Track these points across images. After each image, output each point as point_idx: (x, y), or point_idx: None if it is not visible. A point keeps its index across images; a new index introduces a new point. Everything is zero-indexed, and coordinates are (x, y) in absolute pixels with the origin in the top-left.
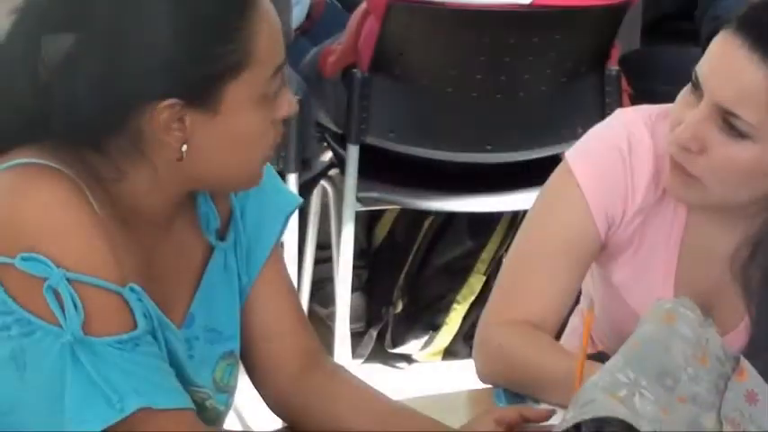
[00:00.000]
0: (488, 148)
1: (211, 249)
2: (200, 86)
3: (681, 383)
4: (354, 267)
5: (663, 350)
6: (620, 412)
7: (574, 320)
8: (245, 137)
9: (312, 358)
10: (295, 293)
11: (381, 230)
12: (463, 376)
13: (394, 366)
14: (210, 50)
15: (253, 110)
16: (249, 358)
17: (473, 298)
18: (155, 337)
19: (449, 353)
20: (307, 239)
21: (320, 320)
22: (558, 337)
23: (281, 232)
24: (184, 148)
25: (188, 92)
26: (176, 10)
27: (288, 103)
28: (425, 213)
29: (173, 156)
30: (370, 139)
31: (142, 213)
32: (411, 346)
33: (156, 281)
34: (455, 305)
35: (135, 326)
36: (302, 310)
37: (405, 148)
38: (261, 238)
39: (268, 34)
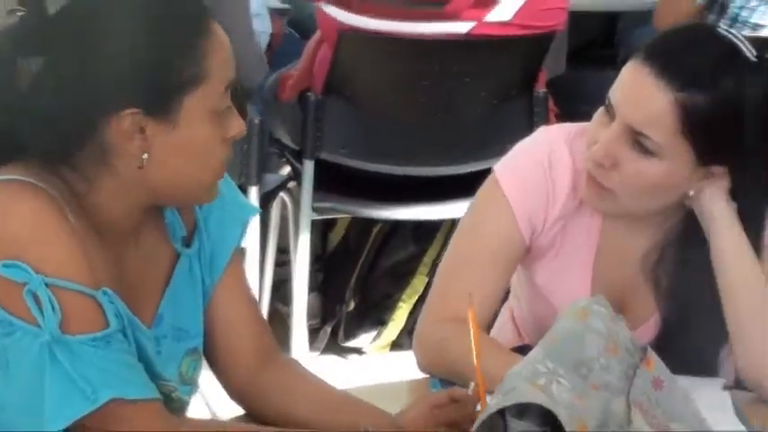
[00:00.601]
0: (430, 162)
1: (177, 256)
2: (160, 98)
3: (594, 372)
4: (311, 270)
5: (578, 343)
6: (540, 399)
7: (503, 315)
8: (199, 148)
9: (268, 354)
10: (252, 295)
11: (335, 237)
12: (408, 366)
13: (346, 358)
14: (170, 65)
15: (206, 124)
16: (211, 353)
17: (417, 297)
18: (125, 336)
19: (396, 345)
20: (268, 245)
21: (281, 317)
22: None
23: (241, 239)
24: (145, 156)
25: (148, 102)
26: (140, 29)
27: (237, 125)
28: (374, 221)
29: (134, 164)
30: (324, 155)
31: (112, 223)
32: (362, 340)
33: (127, 285)
34: (401, 303)
35: (107, 325)
36: (259, 309)
37: (355, 162)
38: (222, 245)
39: (220, 53)
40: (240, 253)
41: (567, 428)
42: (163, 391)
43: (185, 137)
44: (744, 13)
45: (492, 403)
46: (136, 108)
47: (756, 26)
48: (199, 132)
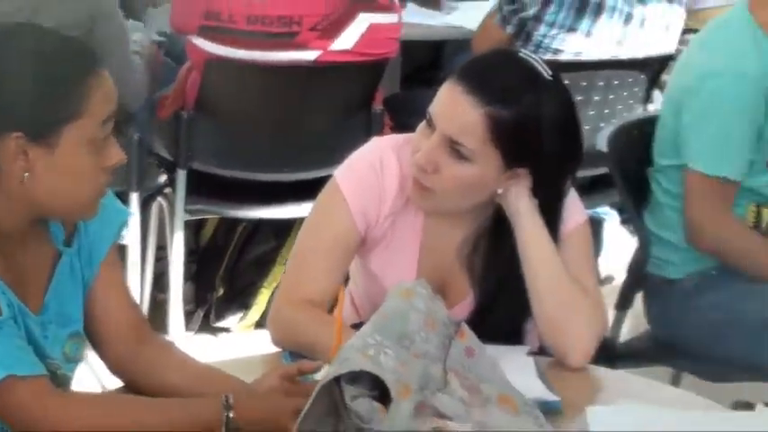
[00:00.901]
0: (285, 169)
1: (60, 254)
2: (42, 126)
3: (415, 344)
4: (185, 262)
5: (402, 319)
6: (369, 367)
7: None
8: (76, 173)
9: (142, 335)
10: (126, 286)
11: (206, 234)
12: (268, 342)
13: (217, 336)
14: (53, 98)
15: (84, 152)
16: (92, 335)
17: (276, 284)
18: (16, 322)
19: (258, 325)
20: (148, 242)
21: (160, 304)
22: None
23: (116, 238)
24: (26, 175)
25: (31, 129)
26: (31, 63)
27: (116, 154)
28: (239, 220)
29: (17, 182)
30: (196, 165)
31: (3, 231)
32: (230, 321)
33: (17, 279)
34: (263, 289)
35: (0, 313)
36: (133, 298)
37: (222, 170)
38: (100, 244)
39: (102, 90)
40: (117, 250)
41: (392, 391)
42: (50, 369)
43: (63, 162)
44: (546, 41)
45: (330, 371)
46: (20, 133)
47: (556, 51)
48: (76, 159)
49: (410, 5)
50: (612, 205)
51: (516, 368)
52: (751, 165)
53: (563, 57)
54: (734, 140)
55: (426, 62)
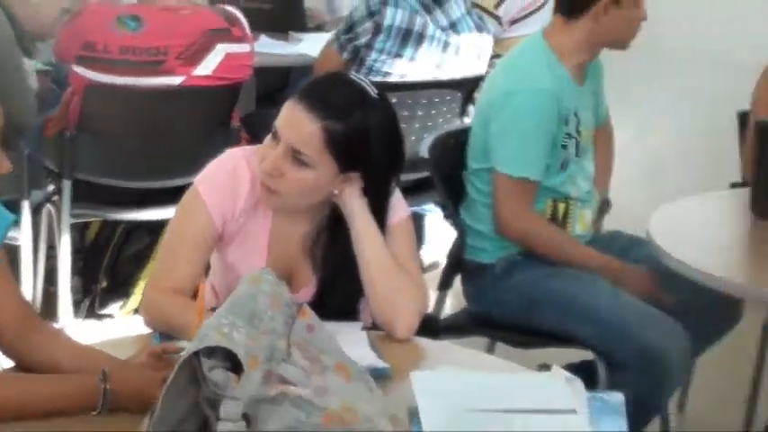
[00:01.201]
0: (156, 177)
1: None
2: None
3: (264, 322)
4: (72, 259)
5: (252, 301)
6: (224, 342)
7: (207, 288)
8: None
9: (30, 322)
10: (14, 282)
11: (90, 234)
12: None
13: (102, 321)
14: None
15: None
16: None
17: None
18: None
19: (137, 311)
20: (40, 243)
21: (52, 295)
22: None
23: (2, 240)
24: None
25: None
26: None
27: (4, 165)
28: (118, 221)
29: None
30: (79, 175)
31: None
32: (112, 308)
33: None
34: (140, 281)
35: None
36: (20, 291)
37: (102, 180)
38: None
39: None
40: (4, 250)
41: (243, 363)
42: None
43: None
44: (377, 65)
45: (190, 347)
46: None
47: (386, 74)
48: None
49: (262, 37)
50: (436, 203)
51: (351, 341)
52: (547, 167)
53: (391, 78)
54: (533, 147)
55: (277, 85)
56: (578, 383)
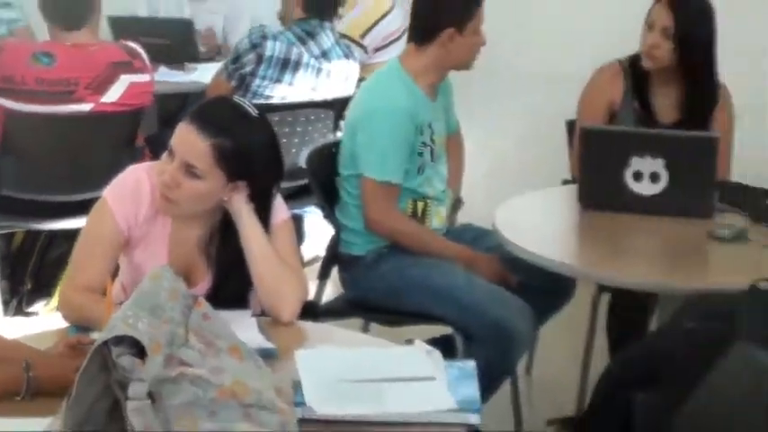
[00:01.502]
0: (73, 191)
1: None
2: None
3: (165, 312)
4: (1, 265)
5: (154, 295)
6: (130, 332)
7: (116, 286)
8: None
9: None
10: None
11: (16, 242)
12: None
13: (29, 318)
14: None
15: None
16: None
17: None
18: None
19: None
20: None
21: None
22: None
23: None
24: None
25: None
26: None
27: None
28: (41, 230)
29: None
30: (4, 191)
31: None
32: (37, 307)
33: None
34: (60, 281)
35: None
36: None
37: (26, 195)
38: None
39: None
40: None
41: (147, 348)
42: None
43: None
44: (260, 89)
45: (100, 337)
46: None
47: (268, 97)
48: None
49: (162, 68)
50: (316, 205)
51: (242, 326)
52: (407, 172)
53: (273, 101)
54: (393, 155)
55: (176, 109)
56: (437, 354)
